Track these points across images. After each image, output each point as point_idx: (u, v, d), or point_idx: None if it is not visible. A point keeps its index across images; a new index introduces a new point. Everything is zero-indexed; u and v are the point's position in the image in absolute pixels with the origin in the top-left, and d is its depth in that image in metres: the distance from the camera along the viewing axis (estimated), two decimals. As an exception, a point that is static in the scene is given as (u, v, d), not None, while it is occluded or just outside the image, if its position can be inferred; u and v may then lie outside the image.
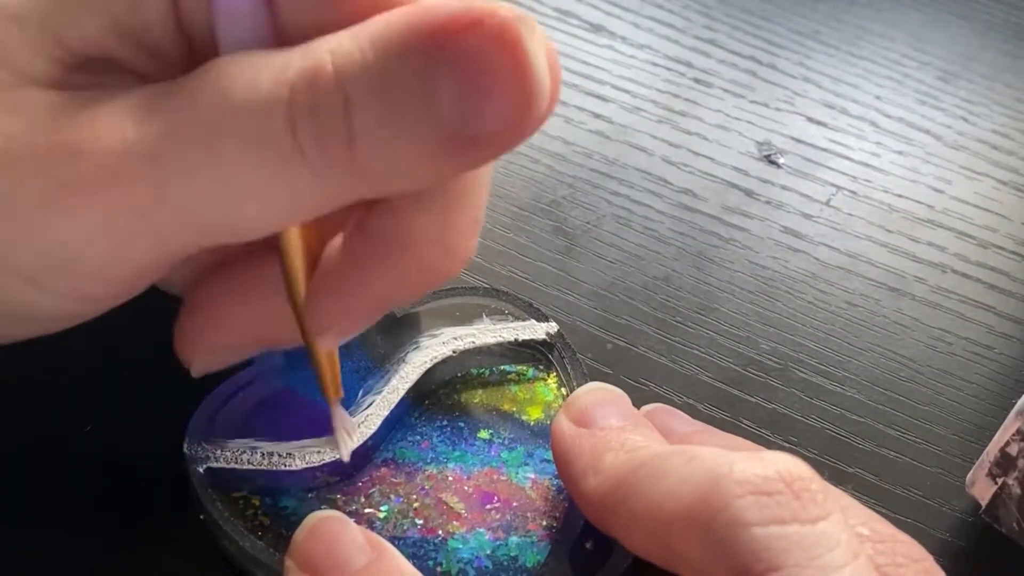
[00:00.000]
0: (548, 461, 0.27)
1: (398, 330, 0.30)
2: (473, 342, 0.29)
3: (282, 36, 0.21)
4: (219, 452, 0.26)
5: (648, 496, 0.22)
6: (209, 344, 0.26)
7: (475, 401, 0.29)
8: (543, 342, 0.30)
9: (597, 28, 0.45)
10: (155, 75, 0.22)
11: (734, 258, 0.36)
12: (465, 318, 0.30)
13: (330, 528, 0.24)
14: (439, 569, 0.25)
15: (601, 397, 0.26)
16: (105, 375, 0.30)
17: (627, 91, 0.42)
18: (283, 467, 0.26)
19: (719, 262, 0.36)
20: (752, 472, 0.21)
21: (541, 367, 0.30)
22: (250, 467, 0.26)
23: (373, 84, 0.19)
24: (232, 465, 0.26)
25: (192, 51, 0.22)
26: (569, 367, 0.29)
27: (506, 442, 0.28)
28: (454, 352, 0.29)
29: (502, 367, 0.30)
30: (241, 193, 0.20)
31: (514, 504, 0.27)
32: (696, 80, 0.43)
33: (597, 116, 0.41)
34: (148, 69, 0.22)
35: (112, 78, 0.21)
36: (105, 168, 0.20)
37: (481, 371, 0.30)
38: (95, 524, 0.27)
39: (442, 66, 0.19)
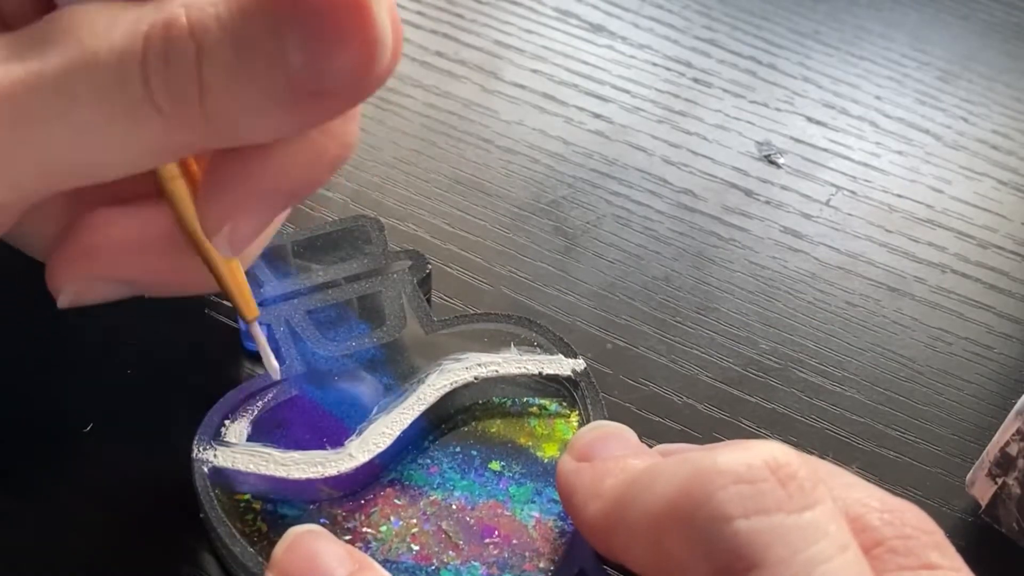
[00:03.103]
0: (555, 501, 0.27)
1: (424, 349, 0.29)
2: (496, 370, 0.29)
3: None
4: (228, 453, 0.26)
5: (642, 504, 0.21)
6: (82, 272, 0.25)
7: (492, 431, 0.28)
8: (568, 378, 0.29)
9: (597, 28, 0.45)
10: (15, 23, 0.22)
11: (734, 258, 0.36)
12: (493, 345, 0.30)
13: (310, 541, 0.23)
14: None
15: (603, 432, 0.25)
16: (106, 374, 0.30)
17: (627, 91, 0.42)
18: (289, 476, 0.26)
19: (719, 262, 0.36)
20: (736, 461, 0.20)
21: (564, 403, 0.29)
22: (256, 472, 0.26)
23: (224, 36, 0.20)
24: (238, 467, 0.26)
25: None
26: (591, 408, 0.29)
27: (516, 476, 0.27)
28: (476, 379, 0.29)
29: (525, 399, 0.29)
30: (92, 140, 0.21)
31: (514, 541, 0.26)
32: (696, 80, 0.43)
33: (597, 116, 0.41)
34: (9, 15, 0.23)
35: None
36: None
37: (503, 401, 0.29)
38: (95, 524, 0.27)
39: (291, 21, 0.20)
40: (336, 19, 0.20)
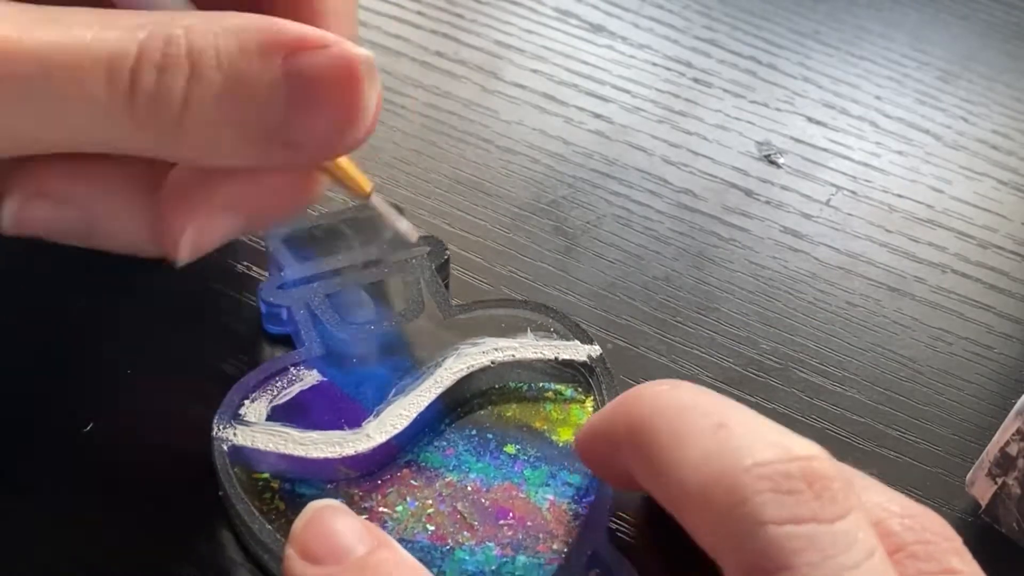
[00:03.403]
0: (569, 484, 0.27)
1: (441, 333, 0.30)
2: (513, 355, 0.29)
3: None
4: (247, 432, 0.27)
5: (668, 453, 0.22)
6: (203, 205, 0.25)
7: (508, 414, 0.29)
8: (584, 364, 0.29)
9: (597, 28, 0.45)
10: None
11: (734, 258, 0.36)
12: (509, 330, 0.30)
13: (328, 516, 0.24)
14: None
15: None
16: (106, 373, 0.30)
17: (627, 91, 0.42)
18: (308, 455, 0.27)
19: (719, 262, 0.36)
20: (774, 469, 0.20)
21: (580, 389, 0.29)
22: (275, 451, 0.27)
23: (219, 66, 0.21)
24: (258, 446, 0.27)
25: None
26: (606, 393, 0.29)
27: (531, 460, 0.28)
28: (492, 363, 0.29)
29: (541, 384, 0.29)
30: (61, 121, 0.22)
31: (528, 523, 0.26)
32: (696, 80, 0.43)
33: (597, 116, 0.41)
34: None
35: None
36: None
37: (519, 385, 0.29)
38: (95, 524, 0.27)
39: (284, 72, 0.21)
40: (328, 87, 0.22)
